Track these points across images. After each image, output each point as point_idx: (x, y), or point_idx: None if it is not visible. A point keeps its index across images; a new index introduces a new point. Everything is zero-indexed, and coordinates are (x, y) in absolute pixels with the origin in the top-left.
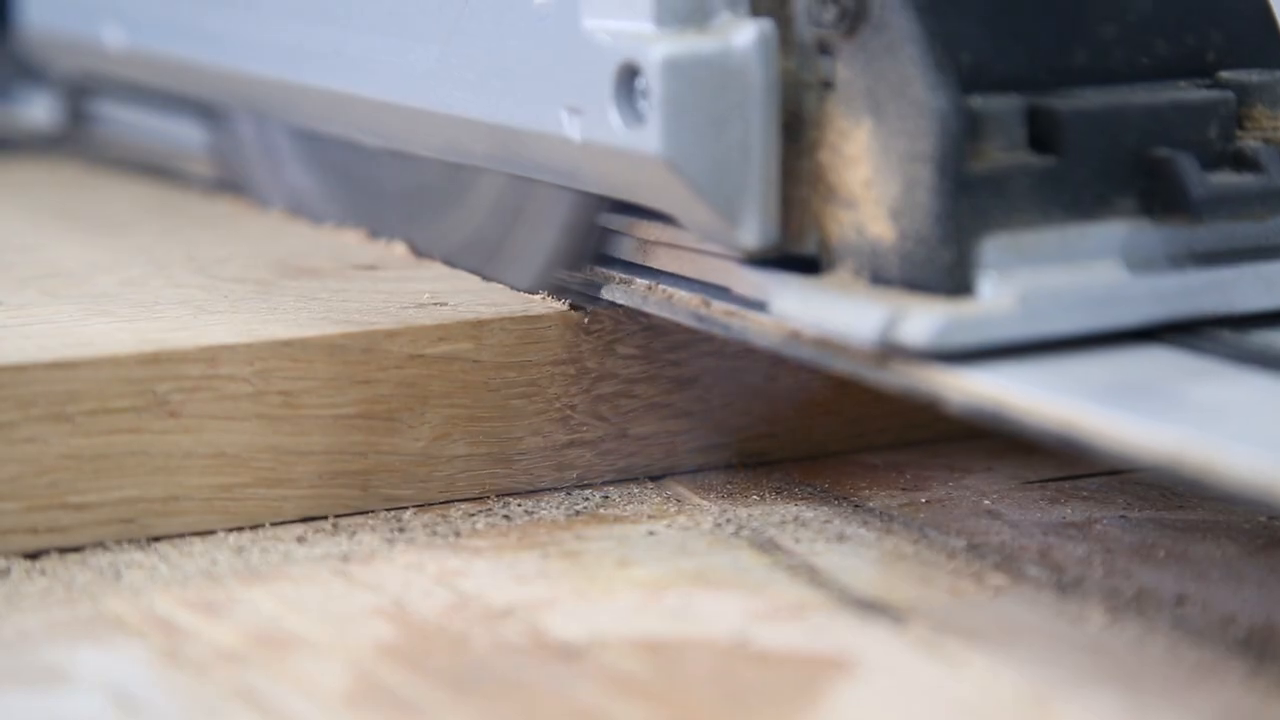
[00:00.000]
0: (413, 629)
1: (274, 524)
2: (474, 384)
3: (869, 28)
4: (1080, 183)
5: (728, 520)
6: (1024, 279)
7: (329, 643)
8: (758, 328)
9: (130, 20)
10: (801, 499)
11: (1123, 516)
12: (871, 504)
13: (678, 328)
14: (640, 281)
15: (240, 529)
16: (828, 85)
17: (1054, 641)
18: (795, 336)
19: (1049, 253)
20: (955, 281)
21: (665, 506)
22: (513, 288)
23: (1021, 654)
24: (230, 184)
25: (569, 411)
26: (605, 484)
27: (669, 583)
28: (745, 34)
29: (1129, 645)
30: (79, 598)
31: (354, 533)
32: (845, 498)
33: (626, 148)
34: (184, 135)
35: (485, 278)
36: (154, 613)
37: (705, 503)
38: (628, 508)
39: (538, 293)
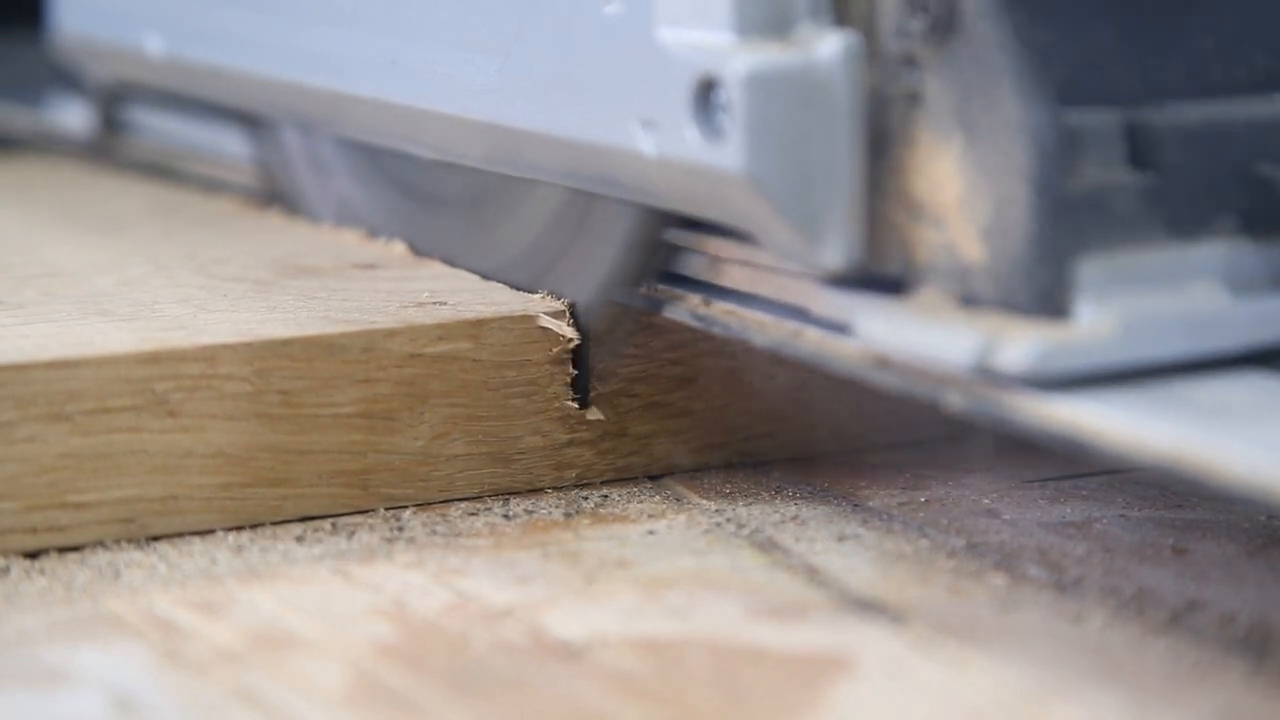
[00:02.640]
0: (412, 629)
1: (273, 523)
2: (473, 383)
3: (960, 40)
4: (1180, 201)
5: (728, 520)
6: (1123, 302)
7: (328, 642)
8: (839, 351)
9: (171, 28)
10: (801, 498)
11: (1122, 516)
12: (871, 503)
13: (681, 327)
14: (707, 300)
15: (240, 528)
16: (914, 99)
17: (1054, 641)
18: (881, 361)
19: (1147, 274)
20: (1052, 305)
21: (665, 506)
22: (574, 304)
23: (1021, 653)
24: (274, 195)
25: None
26: (605, 483)
27: (669, 582)
28: (830, 46)
29: (1129, 645)
30: (78, 597)
31: (353, 532)
32: (845, 497)
33: (703, 163)
34: (224, 145)
35: (548, 294)
36: (153, 612)
37: (705, 502)
38: (627, 507)
39: (599, 310)
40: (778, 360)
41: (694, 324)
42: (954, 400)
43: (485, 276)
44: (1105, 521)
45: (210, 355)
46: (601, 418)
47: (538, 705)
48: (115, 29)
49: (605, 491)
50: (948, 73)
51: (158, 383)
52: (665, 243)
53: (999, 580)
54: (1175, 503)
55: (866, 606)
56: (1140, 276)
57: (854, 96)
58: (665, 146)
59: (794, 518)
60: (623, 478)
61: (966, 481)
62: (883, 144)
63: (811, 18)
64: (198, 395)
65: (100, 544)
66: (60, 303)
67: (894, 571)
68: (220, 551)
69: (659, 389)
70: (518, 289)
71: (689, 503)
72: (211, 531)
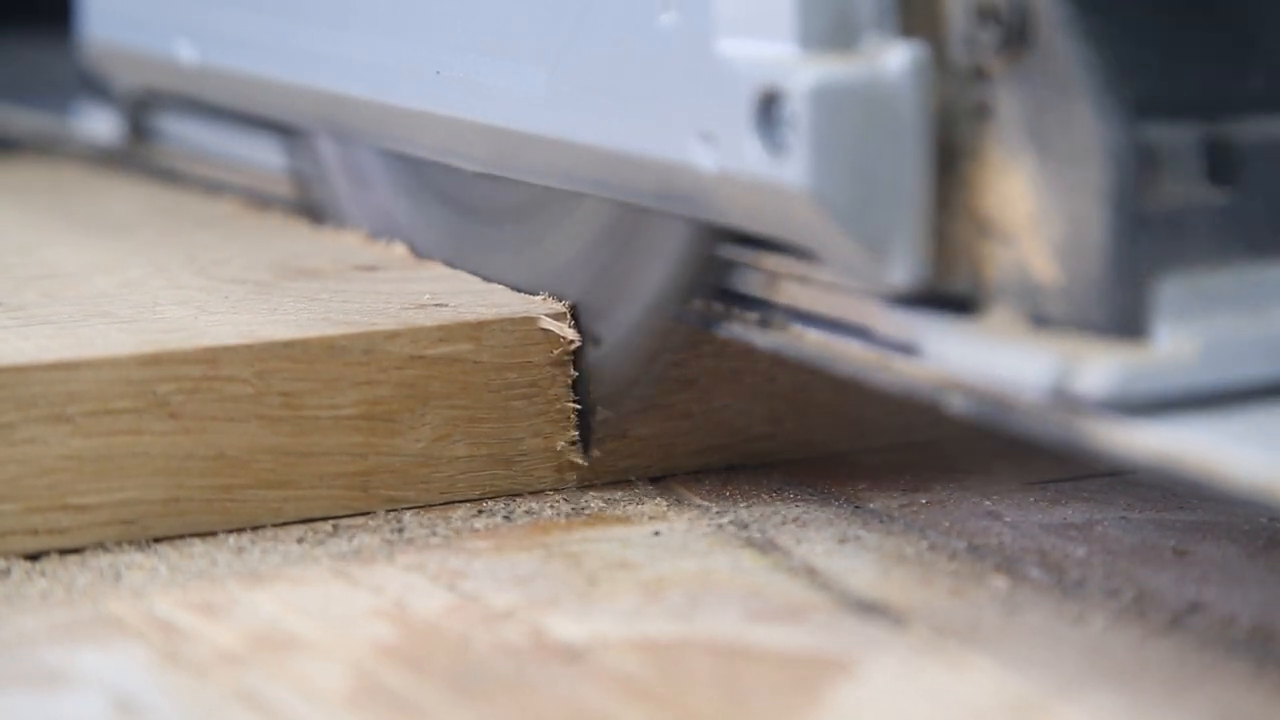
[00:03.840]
0: (413, 630)
1: (274, 525)
2: (474, 385)
3: (1033, 52)
4: (1261, 219)
5: (729, 521)
6: (1202, 323)
7: (329, 644)
8: (904, 373)
9: (204, 35)
10: (802, 500)
11: (1123, 517)
12: (872, 505)
13: (681, 328)
14: (764, 318)
15: (241, 530)
16: (984, 112)
17: (1055, 643)
18: (950, 384)
19: (1227, 295)
20: (1130, 326)
21: (666, 508)
22: (621, 323)
23: (1022, 655)
24: (310, 206)
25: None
26: (606, 485)
27: (670, 584)
28: (898, 59)
29: (1130, 647)
30: (79, 599)
31: (354, 534)
32: (846, 498)
33: (764, 179)
34: (258, 155)
35: (594, 313)
36: (154, 614)
37: (706, 503)
38: (628, 508)
39: (650, 329)
40: (779, 362)
41: (749, 342)
42: (1030, 425)
43: (529, 291)
44: (1106, 523)
45: (211, 357)
46: (600, 454)
47: (539, 707)
48: (146, 36)
49: (606, 493)
50: (1020, 85)
51: (159, 384)
52: (719, 259)
53: (1000, 582)
54: (1176, 504)
55: (868, 608)
56: (1220, 297)
57: (922, 111)
58: (723, 161)
59: (795, 519)
60: (624, 479)
61: (967, 483)
62: (950, 159)
63: (877, 28)
64: (199, 397)
65: (101, 546)
66: (61, 304)
67: (895, 573)
68: (221, 553)
69: (660, 391)
70: (552, 294)
71: (690, 504)
72: (213, 533)
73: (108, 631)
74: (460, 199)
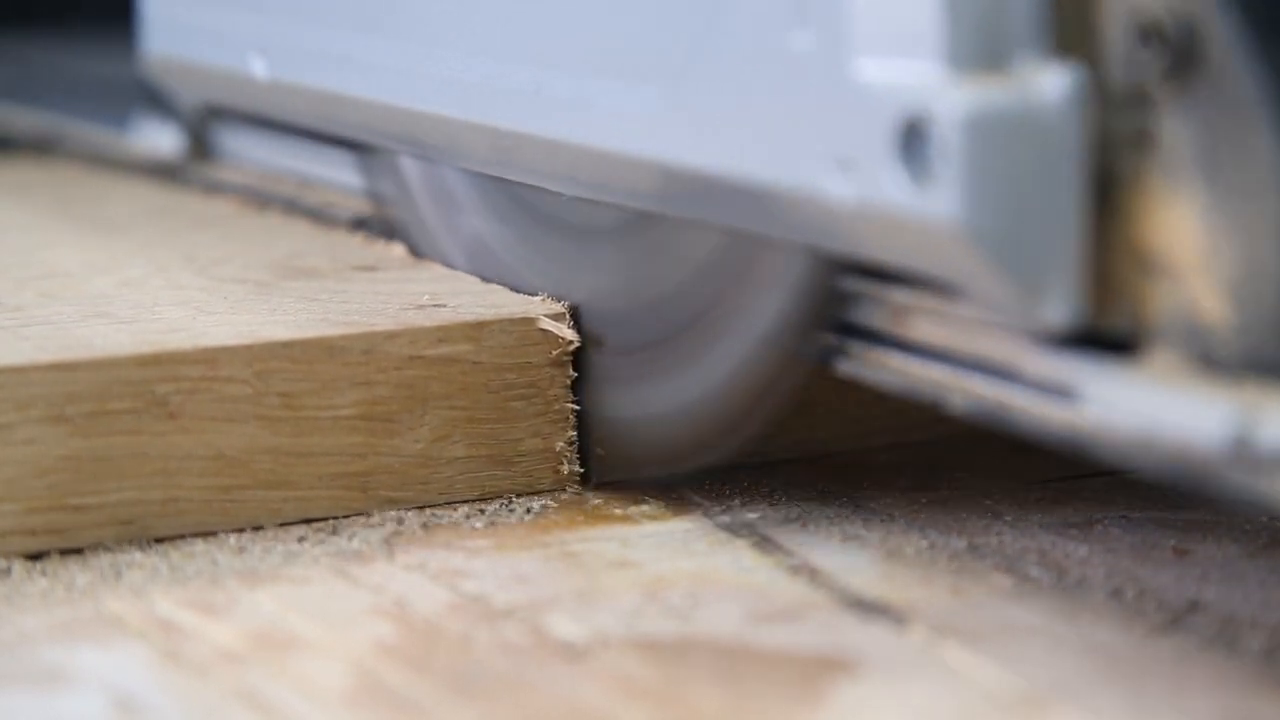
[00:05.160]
0: (414, 629)
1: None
2: (473, 385)
3: (1203, 75)
4: None
5: (730, 520)
6: None
7: (330, 643)
8: (1056, 419)
9: (278, 50)
10: (802, 499)
11: (1124, 517)
12: (872, 504)
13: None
14: (891, 355)
15: (241, 530)
16: (1146, 139)
17: (1055, 642)
18: (1110, 431)
19: None
20: None
21: (666, 507)
22: (728, 357)
23: (1022, 654)
24: (391, 228)
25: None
26: (606, 484)
27: (671, 583)
28: (1056, 83)
29: (1130, 646)
30: (80, 598)
31: (354, 533)
32: (846, 498)
33: (906, 209)
34: (330, 173)
35: (695, 346)
36: (155, 613)
37: (706, 503)
38: (629, 508)
39: (760, 361)
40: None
41: (874, 381)
42: (1207, 477)
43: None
44: (1107, 522)
45: (210, 357)
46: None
47: (539, 706)
48: (213, 50)
49: (607, 492)
50: (1188, 111)
51: (158, 385)
52: (840, 290)
53: (1001, 581)
54: (1176, 504)
55: (868, 607)
56: None
57: (1081, 138)
58: (859, 189)
59: (796, 518)
60: (624, 478)
61: (968, 482)
62: (1107, 189)
63: (1031, 47)
64: (197, 397)
65: (101, 545)
66: (60, 304)
67: (896, 572)
68: (222, 552)
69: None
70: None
71: (691, 503)
72: (213, 532)
73: (108, 630)
74: (557, 220)
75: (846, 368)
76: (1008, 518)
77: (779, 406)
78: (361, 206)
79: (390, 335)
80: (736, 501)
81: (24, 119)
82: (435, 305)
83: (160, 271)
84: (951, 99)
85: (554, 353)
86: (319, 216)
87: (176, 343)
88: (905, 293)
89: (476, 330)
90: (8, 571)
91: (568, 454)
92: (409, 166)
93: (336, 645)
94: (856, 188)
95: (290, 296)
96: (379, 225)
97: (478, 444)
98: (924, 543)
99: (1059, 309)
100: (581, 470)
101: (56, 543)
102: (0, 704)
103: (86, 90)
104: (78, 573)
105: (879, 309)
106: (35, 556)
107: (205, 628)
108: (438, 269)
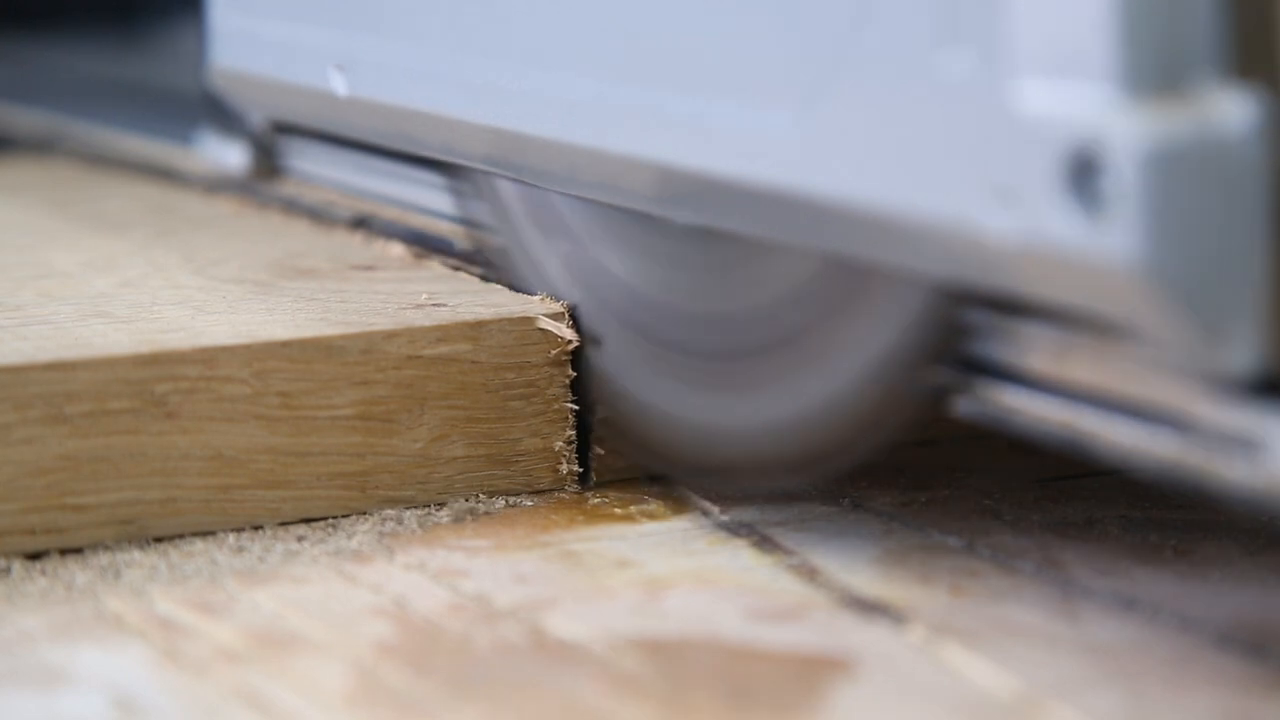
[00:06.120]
0: (413, 629)
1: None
2: (472, 385)
3: None
4: None
5: (729, 520)
6: None
7: (329, 643)
8: (1236, 471)
9: (360, 65)
10: (802, 498)
11: (1123, 516)
12: (872, 503)
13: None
14: (1021, 395)
15: (241, 529)
16: None
17: (1054, 642)
18: None
19: None
20: None
21: (666, 506)
22: (834, 395)
23: (1022, 654)
24: (488, 258)
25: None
26: (606, 484)
27: (670, 582)
28: (1242, 110)
29: (1129, 645)
30: (79, 597)
31: (354, 533)
32: (845, 497)
33: (1077, 246)
34: (413, 195)
35: (795, 380)
36: (154, 612)
37: (706, 502)
38: (629, 508)
39: (864, 396)
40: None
41: (999, 422)
42: None
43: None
44: (1106, 522)
45: (209, 357)
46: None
47: (539, 705)
48: (286, 65)
49: (606, 492)
50: None
51: (156, 384)
52: (961, 322)
53: (1001, 581)
54: (1176, 503)
55: (867, 607)
56: None
57: (1268, 169)
58: (1020, 223)
59: (795, 518)
60: (623, 478)
61: (967, 481)
62: None
63: (1210, 67)
64: (196, 397)
65: (101, 545)
66: (58, 304)
67: (895, 572)
68: (221, 552)
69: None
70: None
71: (690, 503)
72: (212, 532)
73: (108, 630)
74: (665, 245)
75: (969, 409)
76: (1007, 517)
77: (878, 442)
78: (452, 230)
79: (389, 335)
80: (736, 501)
81: (74, 129)
82: (434, 305)
83: (159, 271)
84: (1129, 128)
85: (553, 352)
86: (319, 216)
87: (175, 342)
88: (1042, 328)
89: (475, 330)
90: (7, 571)
91: (567, 453)
92: (507, 189)
93: (336, 645)
94: (1017, 221)
95: (289, 296)
96: (475, 256)
97: (477, 443)
98: (923, 542)
99: (1242, 354)
100: (580, 470)
101: (56, 542)
102: (0, 703)
103: (145, 101)
104: (77, 572)
105: (1009, 344)
106: (35, 556)
107: (204, 627)
108: (437, 268)
